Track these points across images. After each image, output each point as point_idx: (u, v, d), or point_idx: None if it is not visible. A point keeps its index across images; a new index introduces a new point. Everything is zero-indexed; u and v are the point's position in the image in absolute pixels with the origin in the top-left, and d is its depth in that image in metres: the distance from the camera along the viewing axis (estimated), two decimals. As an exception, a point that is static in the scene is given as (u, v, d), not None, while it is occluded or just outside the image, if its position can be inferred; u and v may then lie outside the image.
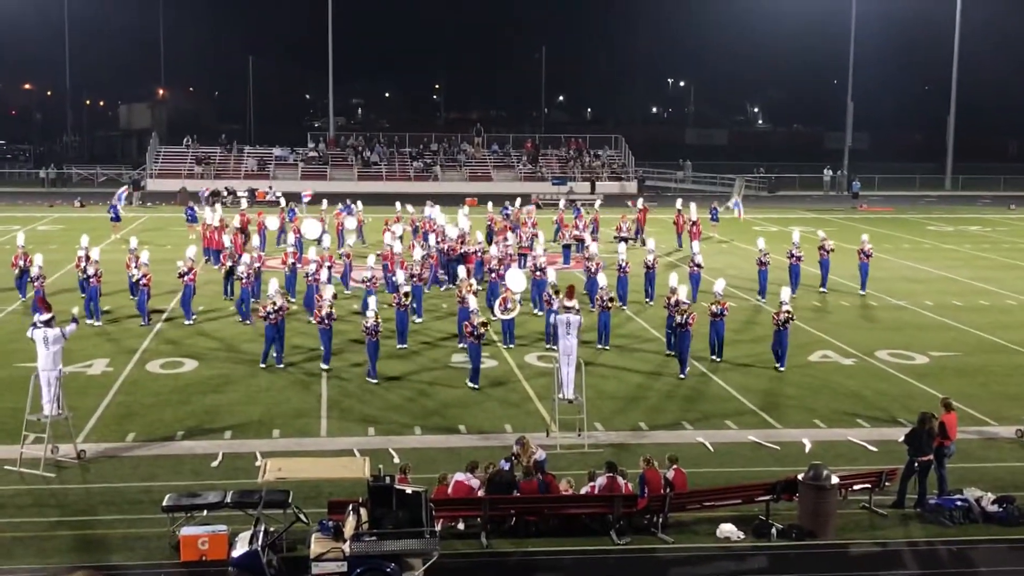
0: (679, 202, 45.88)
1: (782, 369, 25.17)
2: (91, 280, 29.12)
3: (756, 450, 20.20)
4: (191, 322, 29.07)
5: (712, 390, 23.93)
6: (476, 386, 23.25)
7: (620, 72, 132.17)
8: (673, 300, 25.45)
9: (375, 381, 23.60)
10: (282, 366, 24.80)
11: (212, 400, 22.64)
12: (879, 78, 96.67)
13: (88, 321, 28.48)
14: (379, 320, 23.96)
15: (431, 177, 72.70)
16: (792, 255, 34.01)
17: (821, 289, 34.83)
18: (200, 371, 24.90)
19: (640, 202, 48.66)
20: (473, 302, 24.65)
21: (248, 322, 28.90)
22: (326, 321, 24.49)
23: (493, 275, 30.26)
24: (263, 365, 24.83)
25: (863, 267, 34.64)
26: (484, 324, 23.46)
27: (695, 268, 32.12)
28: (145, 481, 18.04)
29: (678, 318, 24.68)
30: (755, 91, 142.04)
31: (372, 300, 25.10)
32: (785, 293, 26.11)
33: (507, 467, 16.61)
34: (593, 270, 30.65)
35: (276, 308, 24.66)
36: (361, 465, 15.45)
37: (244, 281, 29.38)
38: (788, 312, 25.09)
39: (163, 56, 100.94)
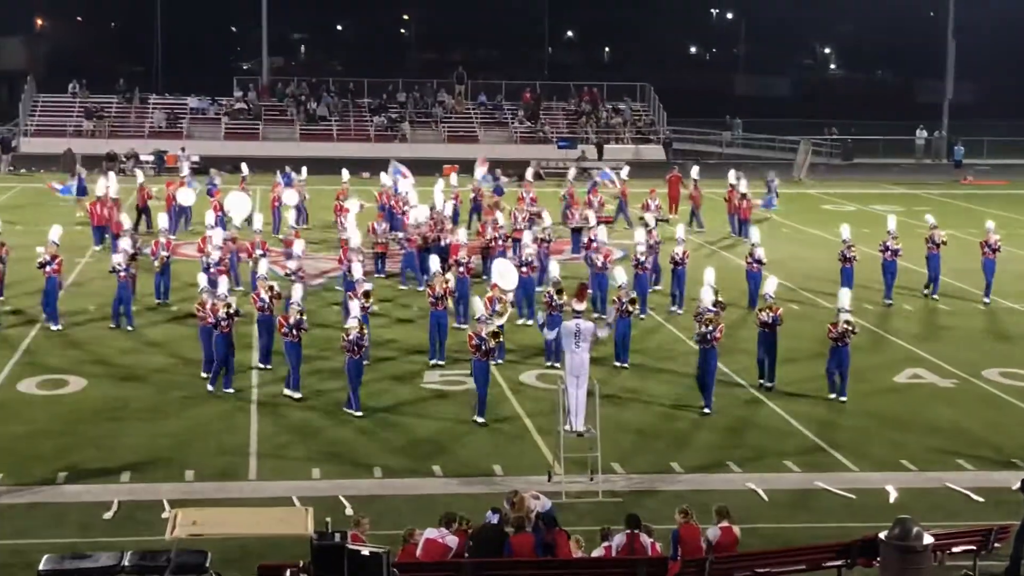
0: (732, 174, 45.53)
1: (843, 400, 25.02)
2: None
3: (825, 500, 20.23)
4: (59, 327, 29.19)
5: (766, 420, 24.00)
6: (483, 420, 23.14)
7: (647, 0, 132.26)
8: (702, 307, 25.16)
9: (358, 414, 23.55)
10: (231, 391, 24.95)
11: (105, 431, 22.61)
12: (990, 9, 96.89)
13: None
14: (364, 332, 23.83)
15: (398, 137, 72.78)
16: (887, 248, 33.64)
17: (929, 293, 34.72)
18: (89, 392, 24.88)
19: (675, 171, 48.85)
20: (480, 306, 24.24)
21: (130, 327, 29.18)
22: (294, 332, 24.34)
23: (461, 268, 29.98)
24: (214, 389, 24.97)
25: (988, 265, 34.24)
26: (496, 335, 23.24)
27: (754, 265, 31.84)
28: (15, 538, 17.96)
29: (701, 328, 24.31)
30: (826, 27, 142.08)
31: (355, 305, 24.77)
32: (844, 297, 25.73)
33: (495, 520, 16.61)
34: (600, 263, 30.60)
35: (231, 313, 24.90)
36: (302, 518, 15.45)
37: (122, 276, 29.30)
38: (848, 324, 24.86)
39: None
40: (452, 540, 16.38)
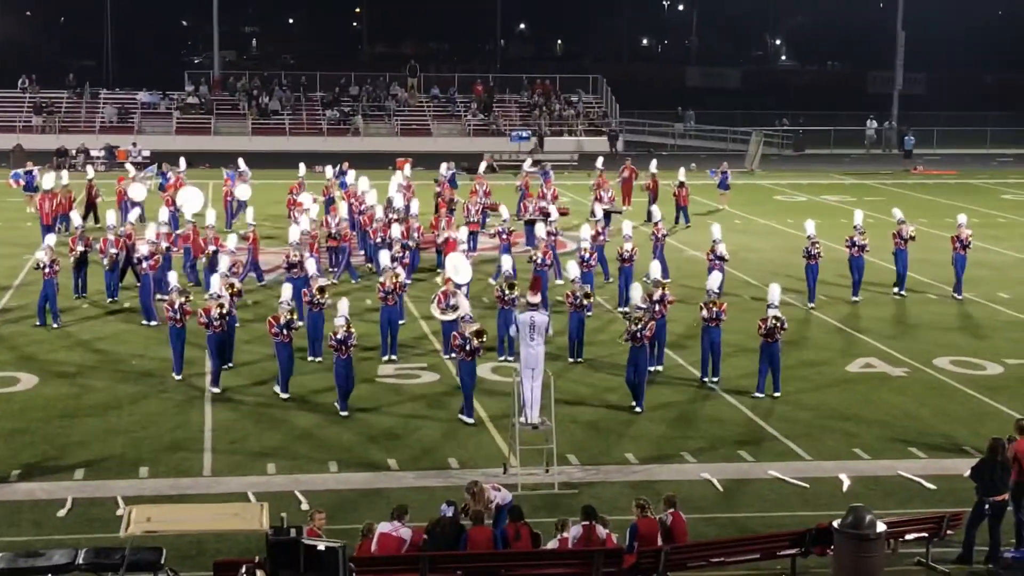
0: (682, 171, 45.92)
1: (776, 395, 24.73)
2: None
3: (779, 489, 20.35)
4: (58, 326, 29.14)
5: (719, 411, 24.10)
6: (471, 420, 22.91)
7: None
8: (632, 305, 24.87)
9: (345, 414, 23.38)
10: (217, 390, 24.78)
11: (58, 428, 22.47)
12: (939, 1, 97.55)
13: None
14: (352, 331, 23.58)
15: (351, 131, 72.53)
16: (854, 243, 33.06)
17: (897, 292, 33.99)
18: (41, 389, 24.71)
19: (628, 163, 48.93)
20: (464, 304, 23.99)
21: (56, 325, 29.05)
22: (285, 332, 24.03)
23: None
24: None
25: (959, 260, 33.63)
26: (480, 334, 22.81)
27: (715, 261, 30.81)
28: (-32, 537, 17.86)
29: (631, 326, 23.72)
30: (777, 19, 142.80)
31: (343, 304, 24.26)
32: (774, 292, 25.21)
33: (450, 512, 16.60)
34: (539, 259, 30.36)
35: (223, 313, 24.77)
36: (257, 513, 15.40)
37: (47, 272, 28.92)
38: (777, 320, 24.53)
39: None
40: (406, 532, 16.37)
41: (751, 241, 38.99)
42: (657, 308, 25.93)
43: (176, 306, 24.97)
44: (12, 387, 24.77)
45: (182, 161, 44.87)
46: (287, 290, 25.49)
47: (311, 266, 27.87)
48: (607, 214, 38.91)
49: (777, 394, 24.73)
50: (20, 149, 59.79)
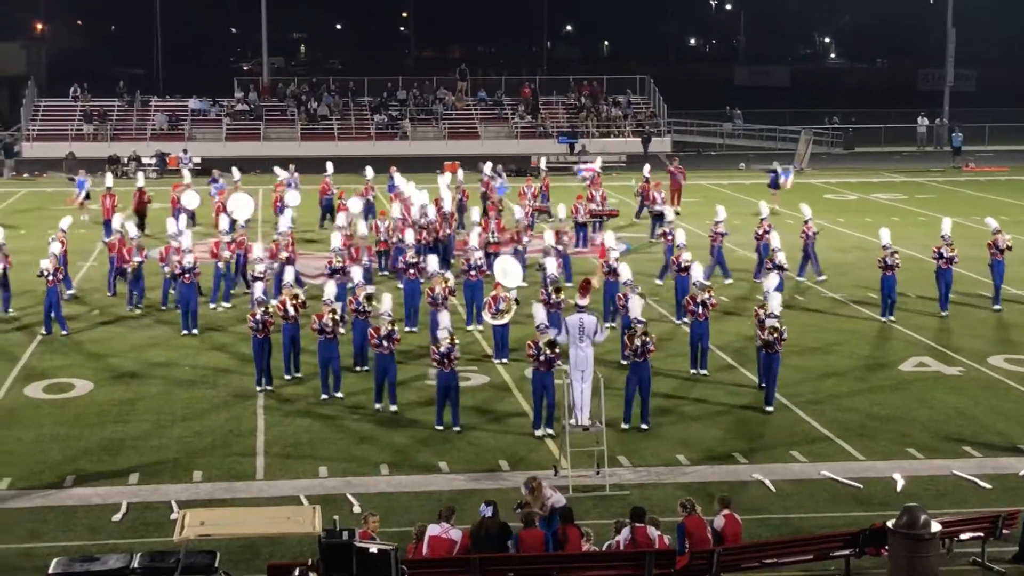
0: (646, 168, 46.14)
1: (769, 410, 23.98)
2: None
3: (832, 489, 20.25)
4: (65, 332, 29.29)
5: (773, 412, 24.00)
6: (551, 432, 22.33)
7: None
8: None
9: (393, 408, 23.56)
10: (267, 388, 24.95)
11: (112, 433, 22.65)
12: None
13: None
14: (394, 326, 23.63)
15: (398, 135, 72.73)
16: (941, 255, 31.27)
17: (994, 306, 32.20)
18: (95, 394, 24.93)
19: (676, 163, 48.81)
20: (541, 312, 22.99)
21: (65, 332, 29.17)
22: (329, 331, 24.05)
23: (472, 271, 29.71)
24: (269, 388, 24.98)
25: (997, 267, 32.17)
26: (552, 344, 22.12)
27: (773, 268, 29.40)
28: (25, 541, 18.02)
29: (635, 340, 22.90)
30: (826, 16, 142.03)
31: (387, 299, 24.50)
32: (775, 301, 24.46)
33: (489, 512, 16.55)
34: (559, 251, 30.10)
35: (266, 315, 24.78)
36: (310, 516, 15.45)
37: (50, 280, 29.01)
38: (776, 331, 23.86)
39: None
40: (456, 534, 16.38)
41: (797, 240, 38.53)
42: (700, 311, 25.84)
43: (258, 317, 24.71)
44: (67, 393, 24.99)
45: (235, 171, 45.00)
46: (330, 289, 25.27)
47: (357, 273, 27.77)
48: (659, 215, 38.88)
49: (769, 408, 23.95)
50: (72, 157, 60.36)
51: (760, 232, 34.37)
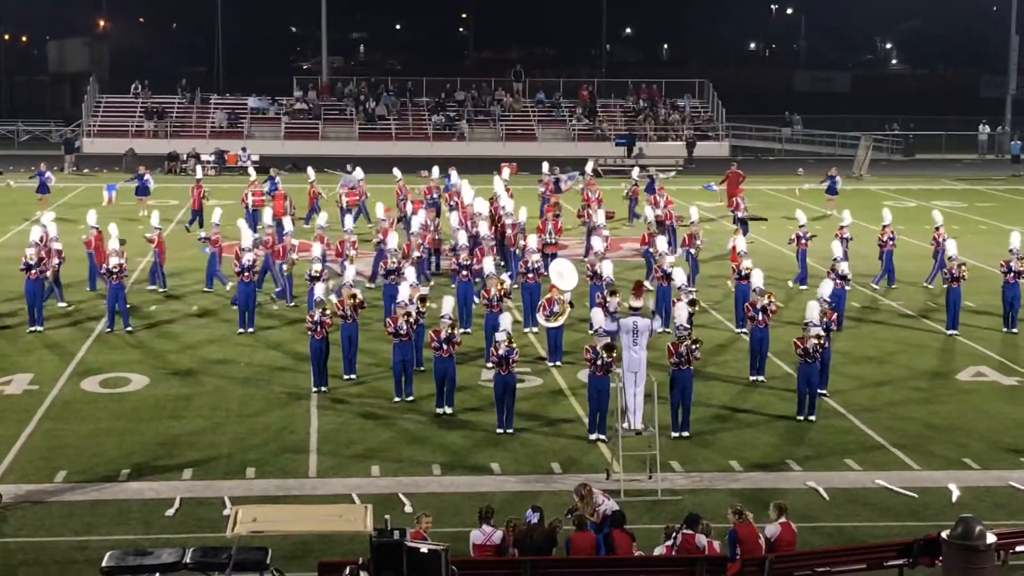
0: (635, 171, 45.99)
1: (812, 419, 23.66)
2: (31, 273, 29.29)
3: (887, 498, 20.12)
4: (110, 330, 29.39)
5: (827, 420, 23.86)
6: (604, 437, 22.26)
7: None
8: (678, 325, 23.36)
9: (449, 411, 23.62)
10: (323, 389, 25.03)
11: (167, 428, 22.85)
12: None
13: (34, 328, 29.15)
14: (454, 330, 23.68)
15: (456, 135, 72.89)
16: (1010, 269, 30.06)
17: None
18: (152, 389, 25.15)
19: (734, 167, 48.65)
20: (599, 317, 22.70)
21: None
22: (402, 334, 23.98)
23: (529, 273, 29.67)
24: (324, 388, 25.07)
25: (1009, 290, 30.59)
26: (610, 348, 21.94)
27: (838, 281, 28.71)
28: (80, 535, 18.20)
29: (681, 349, 22.60)
30: (888, 22, 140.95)
31: (447, 302, 24.51)
32: (813, 311, 24.01)
33: (535, 519, 16.53)
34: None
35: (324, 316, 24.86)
36: (361, 515, 15.51)
37: (33, 274, 29.11)
38: (819, 338, 23.59)
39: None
40: (498, 536, 16.38)
41: (859, 247, 38.39)
42: (760, 317, 25.74)
43: (316, 317, 24.76)
44: (124, 387, 25.23)
45: (311, 171, 45.21)
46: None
47: (411, 274, 27.84)
48: (744, 221, 38.74)
49: (812, 418, 23.70)
50: (132, 154, 60.92)
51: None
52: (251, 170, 47.15)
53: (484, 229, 33.32)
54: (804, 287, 33.99)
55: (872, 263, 35.70)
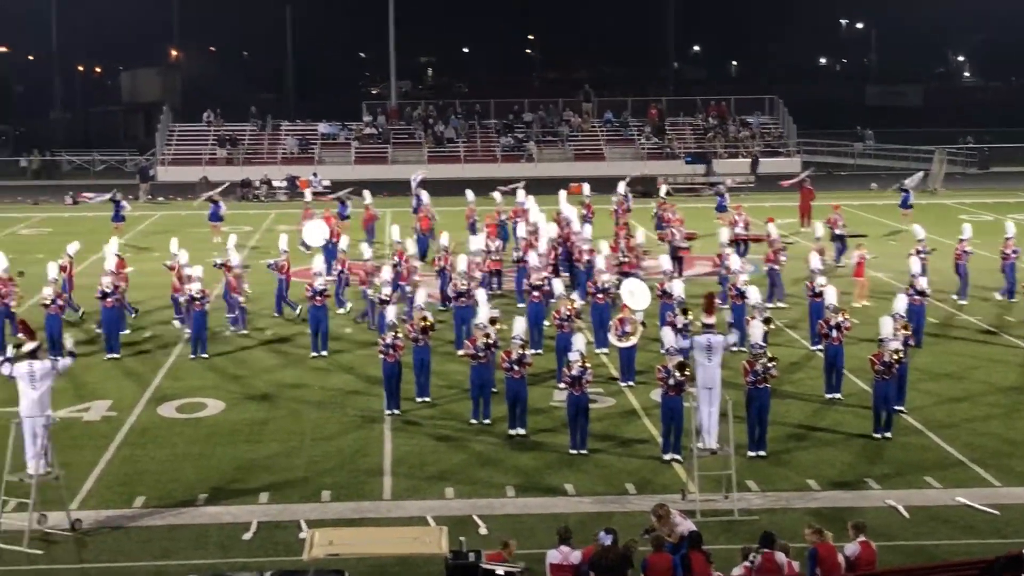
0: (621, 185, 45.22)
1: (888, 436, 23.39)
2: (107, 301, 29.71)
3: (967, 516, 19.89)
4: (195, 357, 29.60)
5: (906, 437, 23.60)
6: (678, 456, 22.12)
7: (776, 12, 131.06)
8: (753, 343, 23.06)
9: (522, 432, 23.61)
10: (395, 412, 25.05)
11: (243, 452, 23.04)
12: None
13: (111, 355, 29.45)
14: (525, 350, 23.74)
15: (524, 157, 72.99)
16: None
17: None
18: (227, 414, 25.37)
19: (807, 183, 48.34)
20: (669, 335, 22.87)
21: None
22: (480, 355, 23.95)
23: (599, 293, 29.58)
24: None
25: None
26: (682, 366, 21.94)
27: (915, 297, 28.82)
28: (158, 559, 18.37)
29: (756, 366, 22.38)
30: (960, 34, 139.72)
31: (519, 322, 24.55)
32: (887, 326, 23.81)
33: (608, 541, 16.44)
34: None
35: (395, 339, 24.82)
36: (437, 537, 15.58)
37: (52, 308, 29.20)
38: (898, 353, 23.35)
39: (175, 8, 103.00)
40: (576, 556, 16.31)
41: (935, 262, 38.10)
42: (835, 334, 25.54)
43: (388, 340, 24.79)
44: (200, 412, 25.46)
45: (367, 194, 45.53)
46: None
47: (482, 296, 27.89)
48: (842, 238, 38.49)
49: (889, 435, 23.47)
50: (206, 181, 61.57)
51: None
52: (308, 195, 47.38)
53: (543, 247, 33.47)
54: (964, 301, 34.26)
55: (948, 277, 35.33)
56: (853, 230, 41.70)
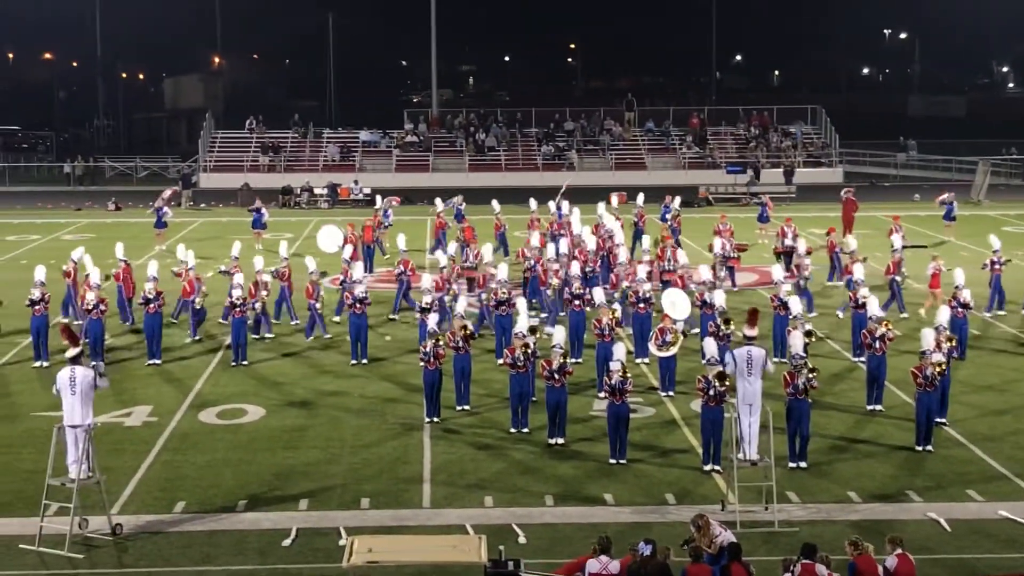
0: (675, 202, 44.89)
1: (930, 450, 23.18)
2: (150, 307, 29.88)
3: (1010, 530, 19.72)
4: (237, 363, 29.71)
5: (948, 450, 23.44)
6: (718, 467, 21.98)
7: (818, 21, 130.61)
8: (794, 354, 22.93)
9: (561, 441, 23.59)
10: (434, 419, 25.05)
11: (283, 459, 23.10)
12: None
13: (153, 361, 29.68)
14: (566, 359, 23.79)
15: (566, 165, 73.00)
16: None
17: None
18: (268, 421, 25.45)
19: (850, 194, 48.10)
20: (712, 347, 22.87)
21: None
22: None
23: (640, 303, 29.50)
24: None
25: None
26: (723, 377, 21.77)
27: (959, 310, 28.64)
28: (198, 564, 18.46)
29: (798, 379, 22.29)
30: (1004, 44, 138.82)
31: (559, 331, 24.60)
32: (928, 338, 23.59)
33: (648, 551, 16.38)
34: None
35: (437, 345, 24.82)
36: (475, 545, 15.58)
37: (37, 309, 29.39)
38: (940, 365, 23.21)
39: (219, 15, 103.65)
40: (615, 567, 16.27)
41: (980, 274, 37.94)
42: (878, 345, 25.42)
43: (428, 348, 24.80)
44: (240, 419, 25.56)
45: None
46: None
47: (522, 305, 27.92)
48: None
49: (930, 448, 23.26)
50: (248, 188, 61.89)
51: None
52: (379, 201, 47.24)
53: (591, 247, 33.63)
54: (1002, 312, 34.29)
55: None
56: (914, 241, 41.50)
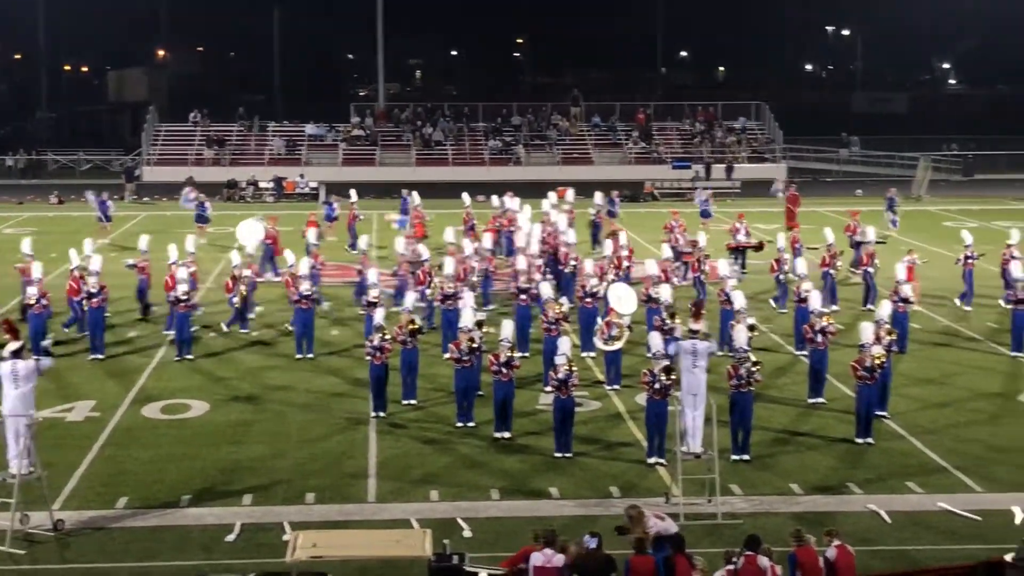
0: (598, 197, 45.17)
1: (871, 442, 23.43)
2: (93, 301, 29.63)
3: (949, 521, 19.93)
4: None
5: (887, 441, 23.65)
6: (663, 460, 22.13)
7: (762, 18, 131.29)
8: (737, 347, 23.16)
9: (507, 435, 23.61)
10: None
11: (228, 454, 22.99)
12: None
13: (95, 356, 29.36)
14: (513, 353, 23.86)
15: (512, 160, 73.02)
16: None
17: None
18: (212, 416, 25.31)
19: (792, 189, 48.41)
20: (657, 341, 23.18)
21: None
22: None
23: (587, 298, 29.52)
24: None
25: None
26: (668, 370, 22.02)
27: (900, 305, 28.78)
28: (141, 560, 18.33)
29: (740, 370, 22.50)
30: (945, 42, 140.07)
31: (507, 325, 24.58)
32: (868, 332, 23.89)
33: (594, 544, 16.43)
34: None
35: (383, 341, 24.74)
36: (420, 539, 15.55)
37: (37, 308, 29.14)
38: (880, 358, 23.44)
39: (163, 8, 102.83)
40: (559, 559, 16.28)
41: (920, 269, 38.33)
42: (820, 339, 25.61)
43: (375, 343, 24.68)
44: (184, 414, 25.42)
45: (353, 192, 45.45)
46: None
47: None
48: (860, 245, 38.53)
49: (871, 440, 23.49)
50: (191, 181, 61.46)
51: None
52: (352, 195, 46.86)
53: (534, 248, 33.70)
54: (968, 308, 34.63)
55: (936, 283, 35.55)
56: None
